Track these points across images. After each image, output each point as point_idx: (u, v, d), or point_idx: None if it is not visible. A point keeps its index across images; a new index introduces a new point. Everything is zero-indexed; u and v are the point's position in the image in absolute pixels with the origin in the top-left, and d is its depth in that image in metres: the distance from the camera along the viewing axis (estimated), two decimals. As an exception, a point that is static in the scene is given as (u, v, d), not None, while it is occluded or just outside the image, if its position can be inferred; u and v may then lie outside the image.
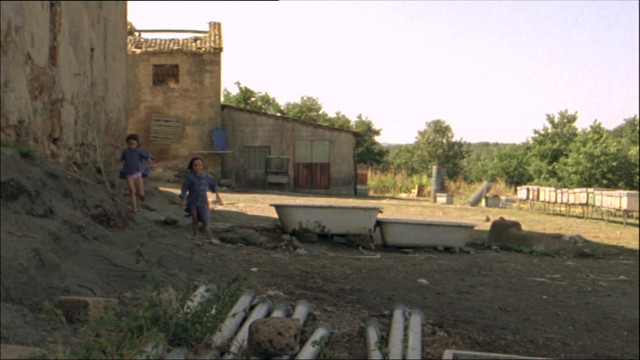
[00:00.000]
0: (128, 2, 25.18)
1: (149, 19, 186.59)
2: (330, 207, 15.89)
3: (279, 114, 57.42)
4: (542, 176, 61.71)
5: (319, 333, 5.70)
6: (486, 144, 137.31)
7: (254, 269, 9.86)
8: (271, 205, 16.44)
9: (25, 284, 5.80)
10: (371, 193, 45.70)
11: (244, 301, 6.36)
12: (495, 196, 40.58)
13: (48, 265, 6.54)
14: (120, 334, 3.45)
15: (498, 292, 9.43)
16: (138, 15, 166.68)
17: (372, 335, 5.90)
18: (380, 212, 15.95)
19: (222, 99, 42.89)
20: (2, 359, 3.58)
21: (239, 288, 5.28)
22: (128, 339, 3.27)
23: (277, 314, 6.29)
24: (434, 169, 43.93)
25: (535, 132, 70.67)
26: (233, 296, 5.35)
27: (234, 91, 68.15)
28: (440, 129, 78.14)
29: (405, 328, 6.26)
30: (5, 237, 6.62)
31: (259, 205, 24.42)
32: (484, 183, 44.61)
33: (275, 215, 16.04)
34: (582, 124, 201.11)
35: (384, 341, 5.82)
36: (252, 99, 68.26)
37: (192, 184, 13.39)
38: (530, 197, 36.00)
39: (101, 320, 3.16)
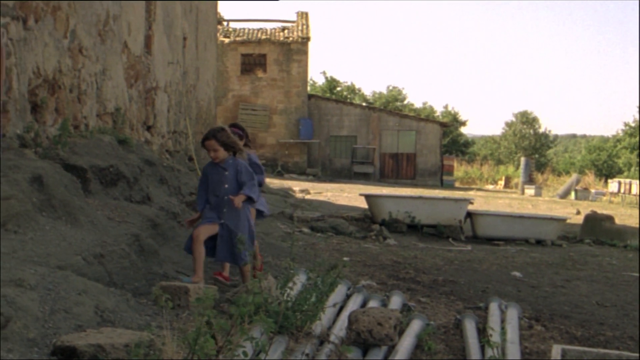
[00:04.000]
0: (218, -9, 25.41)
1: (237, 8, 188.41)
2: (420, 197, 15.78)
3: (364, 104, 57.28)
4: (633, 169, 60.06)
5: (415, 324, 5.65)
6: (573, 136, 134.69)
7: (346, 259, 9.84)
8: (361, 194, 16.41)
9: (127, 269, 5.89)
10: (457, 184, 45.21)
11: (340, 290, 6.33)
12: (585, 189, 39.67)
13: (147, 250, 6.64)
14: (228, 320, 3.45)
15: (594, 287, 9.22)
16: (226, 5, 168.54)
17: (469, 327, 5.82)
18: (471, 203, 15.77)
19: (308, 88, 42.94)
20: (112, 342, 3.62)
21: (337, 277, 5.25)
22: (238, 325, 3.27)
23: (373, 304, 6.25)
24: (522, 160, 43.19)
25: (626, 124, 68.83)
26: (332, 285, 5.33)
27: (320, 81, 68.28)
28: (527, 120, 76.79)
29: (502, 321, 6.15)
30: (106, 223, 6.75)
31: (346, 195, 24.41)
32: (574, 175, 43.67)
33: (363, 205, 15.98)
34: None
35: (480, 333, 5.73)
36: (338, 88, 68.24)
37: (205, 178, 6.95)
38: (622, 190, 35.09)
39: (209, 305, 3.16)
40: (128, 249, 6.23)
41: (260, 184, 7.66)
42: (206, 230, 6.53)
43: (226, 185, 6.66)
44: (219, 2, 25.43)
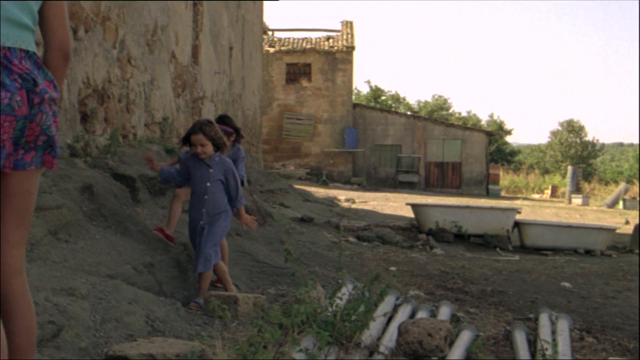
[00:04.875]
0: (264, 1, 25.55)
1: (282, 18, 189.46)
2: (467, 207, 15.64)
3: (409, 113, 57.09)
4: (682, 179, 59.02)
5: (465, 335, 5.58)
6: (620, 144, 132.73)
7: (393, 268, 9.77)
8: (408, 204, 16.31)
9: (177, 278, 5.91)
10: (503, 193, 44.82)
11: (389, 301, 6.28)
12: (633, 198, 39.01)
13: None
14: (280, 330, 3.42)
15: (646, 298, 9.04)
16: (271, 15, 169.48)
17: (520, 338, 5.74)
18: (519, 212, 15.59)
19: (352, 97, 42.88)
20: (164, 352, 3.61)
21: (387, 286, 5.21)
22: (291, 335, 3.24)
23: (422, 314, 6.18)
24: (569, 169, 42.66)
25: (676, 133, 67.78)
26: (382, 295, 5.28)
27: (364, 90, 68.28)
28: (573, 128, 75.95)
29: (553, 333, 6.05)
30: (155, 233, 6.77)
31: (391, 204, 24.31)
32: (622, 184, 42.98)
33: (409, 214, 15.88)
34: None
35: (531, 345, 5.65)
36: (382, 97, 68.12)
37: (187, 171, 6.29)
38: (671, 199, 34.52)
39: (266, 316, 3.14)
40: (177, 257, 6.25)
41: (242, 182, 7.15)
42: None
43: (208, 184, 6.16)
44: (264, 12, 25.54)
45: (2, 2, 2.46)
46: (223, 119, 7.31)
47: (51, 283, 4.40)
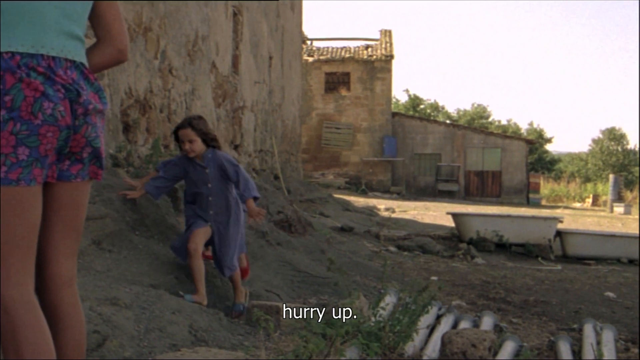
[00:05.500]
0: (303, 11, 25.60)
1: (321, 27, 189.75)
2: (508, 216, 15.51)
3: (448, 122, 56.85)
4: None
5: (509, 345, 5.52)
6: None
7: (434, 278, 9.72)
8: (448, 213, 16.22)
9: (219, 288, 5.91)
10: (543, 202, 44.40)
11: (432, 311, 6.23)
12: (677, 207, 38.52)
13: (237, 269, 6.64)
14: (325, 341, 3.40)
15: (692, 308, 8.89)
16: (310, 24, 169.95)
17: (564, 349, 5.67)
18: (561, 222, 15.42)
19: (391, 106, 42.79)
20: (208, 362, 3.61)
21: (432, 297, 5.16)
22: (336, 346, 3.22)
23: (464, 324, 6.14)
24: (611, 177, 42.17)
25: None
26: (426, 306, 5.24)
27: (403, 99, 68.11)
28: (614, 136, 75.12)
29: (598, 343, 5.96)
30: (197, 241, 6.78)
31: (431, 213, 24.20)
32: (665, 193, 42.49)
33: (449, 224, 15.78)
34: None
35: (575, 355, 5.58)
36: (421, 106, 67.97)
37: (178, 173, 6.02)
38: None
39: (309, 326, 3.12)
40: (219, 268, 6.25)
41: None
42: (201, 239, 5.72)
43: (209, 185, 5.79)
44: (303, 21, 25.61)
45: (49, 12, 2.48)
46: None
47: (95, 293, 4.43)
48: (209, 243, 5.91)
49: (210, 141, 5.78)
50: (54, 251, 2.62)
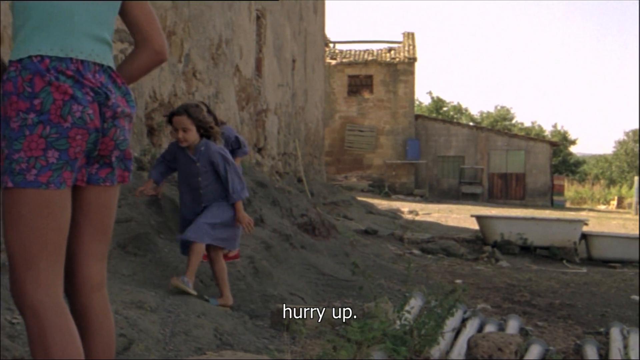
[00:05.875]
0: (325, 14, 25.63)
1: (343, 30, 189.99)
2: (533, 218, 15.42)
3: (472, 124, 56.64)
4: None
5: (535, 349, 5.48)
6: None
7: (458, 281, 9.67)
8: (472, 216, 16.15)
9: (243, 291, 5.91)
10: (568, 204, 44.11)
11: (457, 314, 6.21)
12: (703, 209, 38.13)
13: (261, 272, 6.65)
14: (354, 346, 3.39)
15: None
16: (333, 27, 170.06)
17: (590, 353, 5.62)
18: (586, 224, 15.31)
19: (414, 109, 42.70)
20: (234, 366, 3.61)
21: (457, 300, 5.14)
22: (363, 350, 3.21)
23: (490, 328, 6.10)
24: (636, 180, 41.77)
25: None
26: (452, 309, 5.22)
27: (426, 101, 67.90)
28: (640, 138, 74.55)
29: (625, 347, 5.91)
30: (222, 244, 6.79)
31: (455, 216, 24.10)
32: (690, 195, 42.04)
33: (473, 226, 15.71)
34: None
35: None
36: (444, 108, 67.73)
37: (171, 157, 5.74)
38: None
39: (342, 331, 3.11)
40: (243, 270, 6.26)
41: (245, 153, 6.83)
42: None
43: (200, 178, 5.41)
44: (326, 24, 25.62)
45: (77, 16, 2.49)
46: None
47: (121, 296, 4.44)
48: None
49: (207, 131, 5.38)
50: (84, 255, 2.63)
